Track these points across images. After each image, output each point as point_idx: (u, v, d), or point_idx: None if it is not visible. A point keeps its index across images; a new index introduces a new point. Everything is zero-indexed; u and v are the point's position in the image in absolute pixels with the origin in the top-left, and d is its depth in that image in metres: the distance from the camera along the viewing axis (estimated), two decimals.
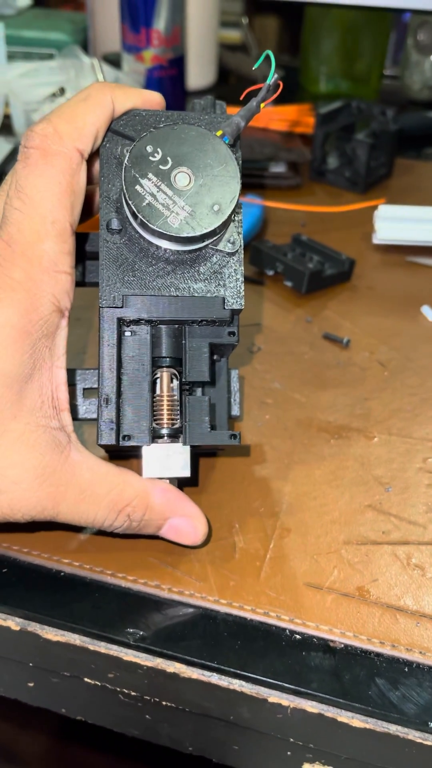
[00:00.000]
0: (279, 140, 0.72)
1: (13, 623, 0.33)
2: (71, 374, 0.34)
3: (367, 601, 0.32)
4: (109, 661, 0.32)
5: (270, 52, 0.33)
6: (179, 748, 0.36)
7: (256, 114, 0.32)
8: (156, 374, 0.33)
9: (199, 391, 0.35)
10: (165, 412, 0.32)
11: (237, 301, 0.32)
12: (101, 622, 0.32)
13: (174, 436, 0.32)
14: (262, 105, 0.32)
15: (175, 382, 0.33)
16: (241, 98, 0.34)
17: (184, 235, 0.30)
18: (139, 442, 0.32)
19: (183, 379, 0.33)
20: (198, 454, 0.39)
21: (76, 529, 0.35)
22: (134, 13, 0.74)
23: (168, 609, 0.32)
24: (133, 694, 0.33)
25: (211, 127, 0.32)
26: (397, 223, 0.57)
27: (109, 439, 0.31)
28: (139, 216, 0.30)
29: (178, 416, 0.33)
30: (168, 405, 0.32)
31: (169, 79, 0.78)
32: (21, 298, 0.29)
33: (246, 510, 0.36)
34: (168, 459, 0.32)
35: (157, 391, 0.33)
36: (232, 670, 0.30)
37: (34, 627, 0.32)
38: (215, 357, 0.35)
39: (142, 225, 0.31)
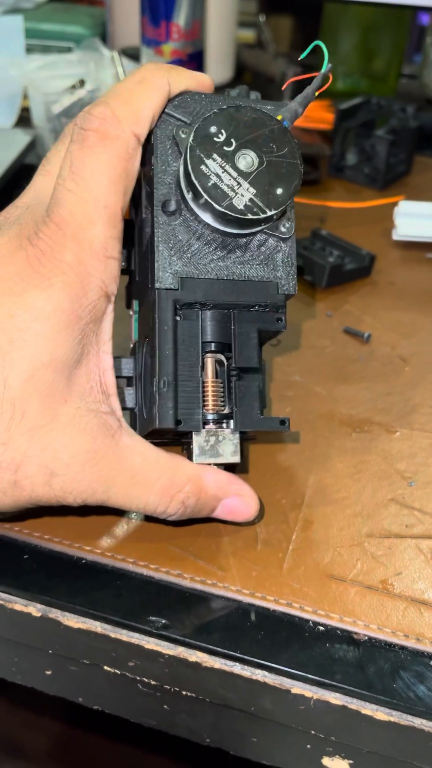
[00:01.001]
0: (298, 136, 0.72)
1: (34, 609, 0.32)
2: (117, 362, 0.34)
3: (391, 594, 0.32)
4: (130, 649, 0.32)
5: (321, 43, 0.32)
6: (197, 739, 0.36)
7: (312, 101, 0.32)
8: (204, 359, 0.32)
9: (247, 377, 0.34)
10: (213, 397, 0.32)
11: (291, 286, 0.32)
12: (123, 609, 0.32)
13: (220, 422, 0.32)
14: (316, 93, 0.32)
15: (223, 368, 0.33)
16: (283, 88, 0.34)
17: (249, 217, 0.30)
18: (191, 428, 0.31)
19: (232, 365, 0.32)
20: (243, 440, 0.39)
21: (99, 515, 0.35)
22: (155, 7, 0.74)
23: (190, 598, 0.32)
24: (152, 683, 0.33)
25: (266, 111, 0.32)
26: (417, 219, 0.57)
27: (167, 422, 0.31)
28: (204, 196, 0.30)
29: (225, 402, 0.32)
30: (216, 391, 0.32)
31: None
32: (72, 282, 0.29)
33: (268, 501, 0.36)
34: (218, 445, 0.32)
35: (206, 377, 0.32)
36: (255, 660, 0.30)
37: (56, 614, 0.32)
38: None
39: (206, 205, 0.30)
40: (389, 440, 0.40)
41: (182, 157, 0.31)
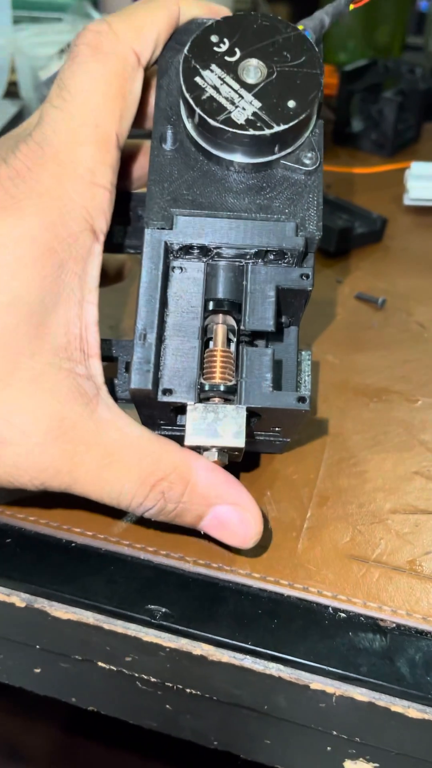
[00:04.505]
0: None
1: (18, 599, 0.29)
2: (107, 345, 0.29)
3: (420, 576, 0.29)
4: (126, 642, 0.28)
5: None
6: (203, 742, 0.32)
7: (344, 13, 0.28)
8: (210, 320, 0.27)
9: (261, 343, 0.28)
10: (218, 365, 0.26)
11: (314, 227, 0.26)
12: (118, 597, 0.28)
13: (223, 395, 0.26)
14: (351, 6, 0.28)
15: (234, 332, 0.28)
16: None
17: (251, 132, 0.25)
18: (182, 399, 0.26)
19: (241, 328, 0.27)
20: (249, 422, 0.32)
21: None
22: None
23: (193, 584, 0.28)
24: (152, 680, 0.30)
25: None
26: (430, 182, 0.54)
27: (142, 382, 0.25)
28: (197, 110, 0.25)
29: (234, 372, 0.27)
30: (222, 357, 0.27)
31: None
32: (47, 207, 0.24)
33: (278, 476, 0.33)
34: (217, 423, 0.26)
35: (211, 342, 0.27)
36: (268, 652, 0.26)
37: (42, 603, 0.29)
38: (283, 320, 0.29)
39: (201, 124, 0.26)
40: (410, 410, 0.37)
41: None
